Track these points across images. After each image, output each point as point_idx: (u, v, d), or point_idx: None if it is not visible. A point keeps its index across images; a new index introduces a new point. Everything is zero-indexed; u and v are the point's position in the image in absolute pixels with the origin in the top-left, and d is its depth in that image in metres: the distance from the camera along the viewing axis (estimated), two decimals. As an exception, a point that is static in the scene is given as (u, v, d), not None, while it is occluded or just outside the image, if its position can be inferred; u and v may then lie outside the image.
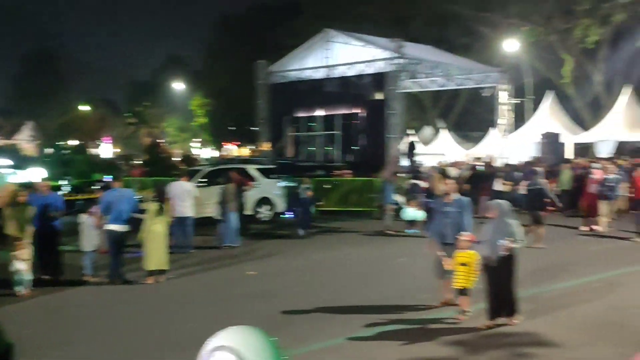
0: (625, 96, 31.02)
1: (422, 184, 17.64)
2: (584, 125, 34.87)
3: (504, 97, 28.92)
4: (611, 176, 17.12)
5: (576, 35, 22.40)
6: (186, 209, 14.19)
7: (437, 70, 27.38)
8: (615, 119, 30.68)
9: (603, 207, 16.82)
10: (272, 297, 9.98)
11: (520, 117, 36.09)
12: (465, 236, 8.51)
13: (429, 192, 16.98)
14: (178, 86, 60.15)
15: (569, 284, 10.68)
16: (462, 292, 8.42)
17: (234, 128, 56.34)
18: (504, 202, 8.49)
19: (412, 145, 26.97)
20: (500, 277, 8.03)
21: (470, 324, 8.23)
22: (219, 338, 1.92)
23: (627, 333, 7.74)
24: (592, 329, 8.12)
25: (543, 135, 28.48)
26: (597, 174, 17.49)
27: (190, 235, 14.49)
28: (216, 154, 62.36)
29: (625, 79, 33.99)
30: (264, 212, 19.79)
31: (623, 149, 32.89)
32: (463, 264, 8.35)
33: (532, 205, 14.66)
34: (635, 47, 29.50)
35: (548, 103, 34.00)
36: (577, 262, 12.70)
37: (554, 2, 32.65)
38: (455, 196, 9.21)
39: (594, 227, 16.77)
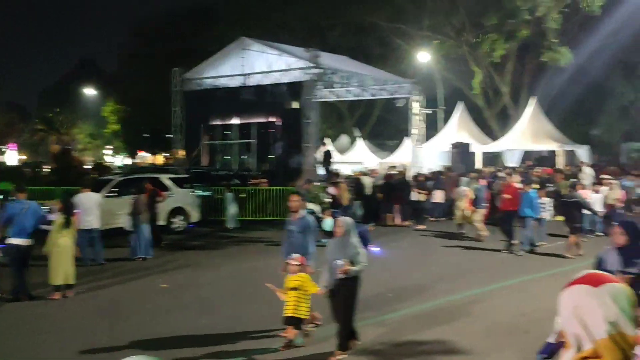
0: (530, 108, 32.48)
1: (331, 192, 17.66)
2: (493, 135, 36.26)
3: (416, 107, 29.63)
4: (476, 185, 17.86)
5: (484, 49, 23.37)
6: (92, 220, 13.77)
7: (352, 80, 27.74)
8: (521, 130, 32.04)
9: (474, 215, 17.54)
10: (178, 312, 9.79)
11: (433, 127, 37.12)
12: (295, 259, 7.82)
13: (336, 202, 17.08)
14: (90, 92, 58.35)
15: (472, 292, 11.01)
16: (290, 320, 7.66)
17: (148, 135, 55.18)
18: (349, 219, 7.67)
19: (328, 154, 27.17)
20: (339, 301, 7.36)
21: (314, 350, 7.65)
22: None
23: (532, 339, 8.02)
24: (500, 335, 8.40)
25: (453, 144, 29.36)
26: (481, 183, 18.09)
27: (100, 247, 14.05)
28: (130, 161, 60.89)
29: (530, 92, 35.60)
30: (178, 223, 19.43)
31: (529, 158, 34.40)
32: (293, 289, 7.67)
33: (569, 216, 15.03)
34: (539, 62, 30.94)
35: (459, 113, 35.14)
36: (478, 270, 13.13)
37: (464, 17, 33.86)
38: (300, 214, 8.57)
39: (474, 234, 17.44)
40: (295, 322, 7.67)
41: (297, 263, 7.78)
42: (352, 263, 7.15)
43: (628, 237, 5.61)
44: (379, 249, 15.88)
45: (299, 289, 7.64)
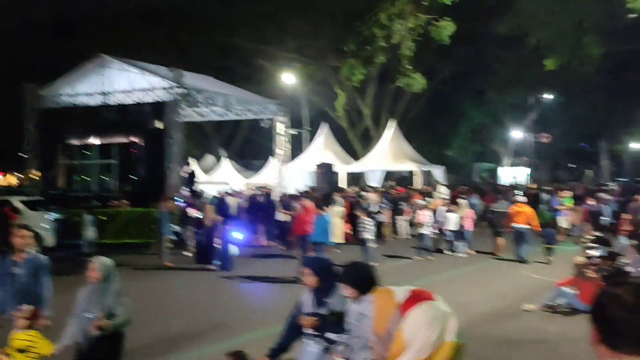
0: (390, 129, 33.93)
1: (195, 214, 17.41)
2: (356, 156, 37.47)
3: (281, 128, 30.04)
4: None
5: (343, 74, 24.28)
6: None
7: (216, 100, 27.65)
8: (382, 150, 33.36)
9: None
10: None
11: (298, 147, 37.75)
12: (24, 310, 6.09)
13: (200, 224, 16.85)
14: None
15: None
16: None
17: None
18: (109, 261, 6.03)
19: (192, 175, 26.83)
20: None
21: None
22: None
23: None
24: None
25: (318, 165, 30.00)
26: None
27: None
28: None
29: (390, 114, 37.25)
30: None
31: (390, 178, 35.81)
32: (21, 350, 5.91)
33: (496, 223, 17.65)
34: (397, 86, 32.50)
35: (323, 134, 36.00)
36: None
37: (326, 41, 34.85)
38: (29, 253, 6.82)
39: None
40: None
41: (27, 316, 6.07)
42: (110, 316, 5.71)
43: (317, 277, 5.01)
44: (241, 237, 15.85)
45: (28, 350, 5.92)
